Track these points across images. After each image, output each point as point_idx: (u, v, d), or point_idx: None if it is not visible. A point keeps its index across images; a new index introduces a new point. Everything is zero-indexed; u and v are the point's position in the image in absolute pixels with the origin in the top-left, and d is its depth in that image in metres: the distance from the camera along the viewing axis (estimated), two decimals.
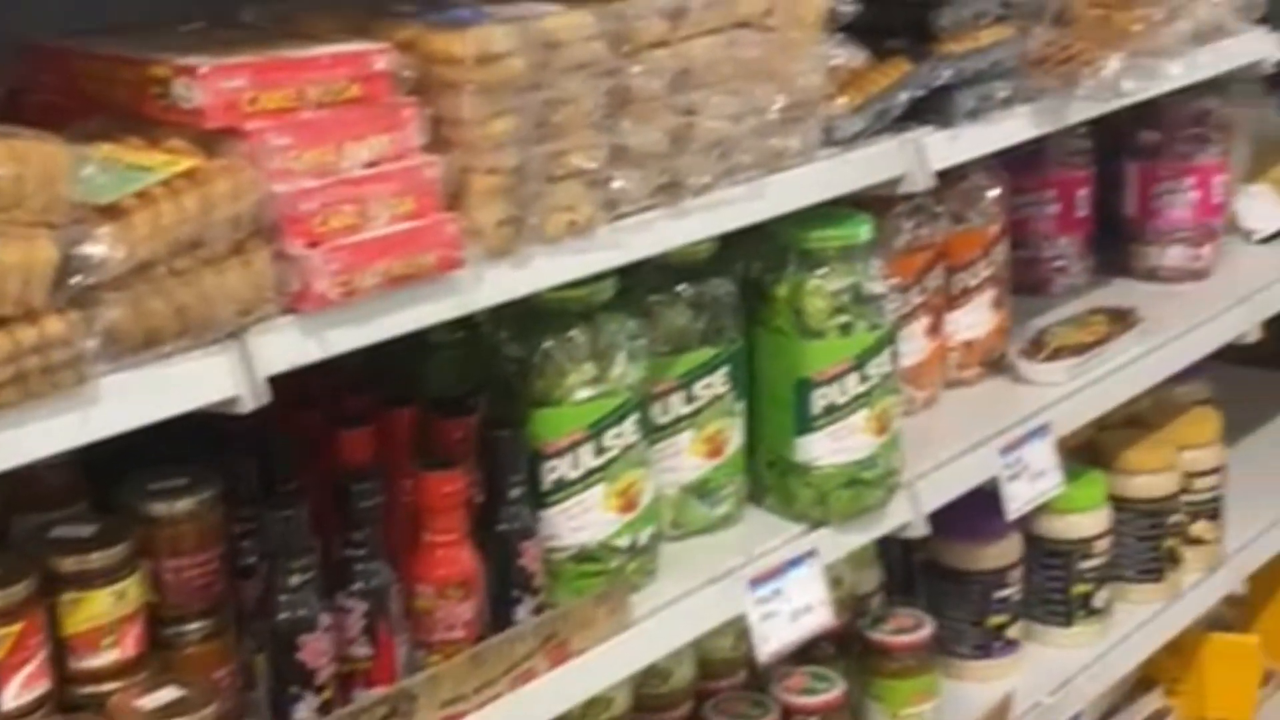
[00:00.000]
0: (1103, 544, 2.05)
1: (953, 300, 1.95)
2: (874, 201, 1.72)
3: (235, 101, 1.19)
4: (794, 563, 1.63)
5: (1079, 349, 1.99)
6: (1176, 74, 1.94)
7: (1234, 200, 2.38)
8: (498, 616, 1.43)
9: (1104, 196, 2.27)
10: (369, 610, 1.35)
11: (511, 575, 1.45)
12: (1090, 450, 2.14)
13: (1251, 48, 2.09)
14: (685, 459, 1.63)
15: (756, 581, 1.59)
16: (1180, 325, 2.12)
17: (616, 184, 1.40)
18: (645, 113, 1.41)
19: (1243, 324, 2.19)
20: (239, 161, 1.18)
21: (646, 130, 1.41)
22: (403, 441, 1.44)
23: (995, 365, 2.01)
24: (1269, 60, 2.12)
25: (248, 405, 1.19)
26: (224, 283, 1.16)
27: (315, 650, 1.31)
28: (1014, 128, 1.80)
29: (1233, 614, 2.41)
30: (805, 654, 1.83)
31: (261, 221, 1.18)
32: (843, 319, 1.63)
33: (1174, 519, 2.14)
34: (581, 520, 1.50)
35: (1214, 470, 2.21)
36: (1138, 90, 1.88)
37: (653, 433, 1.58)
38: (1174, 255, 2.26)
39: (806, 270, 1.63)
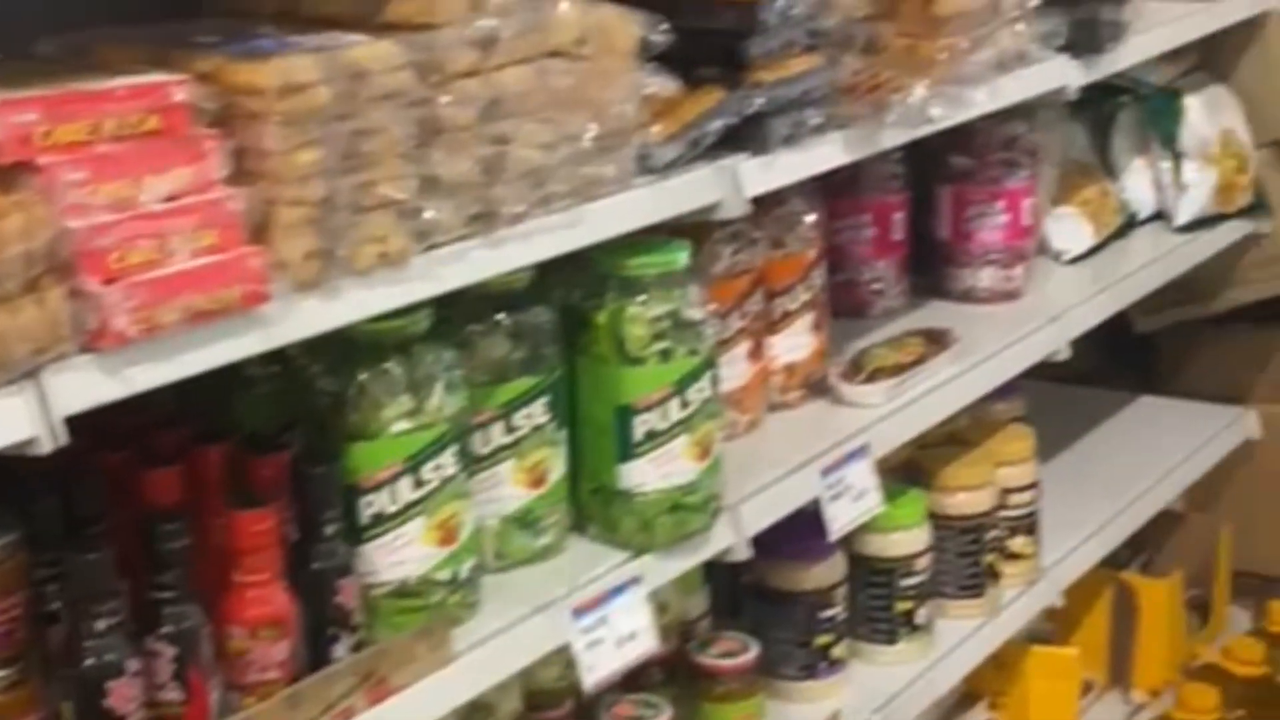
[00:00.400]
0: (924, 561, 2.09)
1: (773, 324, 1.98)
2: (692, 228, 1.74)
3: (27, 135, 1.16)
4: (618, 590, 1.63)
5: (896, 370, 2.02)
6: (981, 101, 1.99)
7: (1044, 222, 2.44)
8: (315, 656, 1.41)
9: (919, 220, 2.32)
10: (179, 654, 1.32)
11: (328, 613, 1.42)
12: (911, 469, 2.18)
13: (1054, 75, 2.15)
14: (507, 489, 1.62)
15: (580, 610, 1.58)
16: (994, 345, 2.16)
17: (428, 214, 1.39)
18: (456, 143, 1.41)
19: (1054, 342, 2.24)
20: (32, 197, 1.15)
21: (458, 160, 1.40)
22: (213, 480, 1.41)
23: (816, 388, 2.03)
24: (1071, 87, 2.18)
25: (45, 446, 1.15)
26: (17, 321, 1.13)
27: (123, 696, 1.28)
28: (827, 154, 1.82)
29: (1052, 627, 2.48)
30: (634, 681, 1.83)
31: (56, 258, 1.15)
32: (662, 345, 1.64)
33: (992, 535, 2.19)
34: (401, 555, 1.48)
35: (1030, 486, 2.27)
36: (945, 117, 1.92)
37: (473, 464, 1.57)
38: (987, 277, 2.31)
39: (626, 297, 1.64)
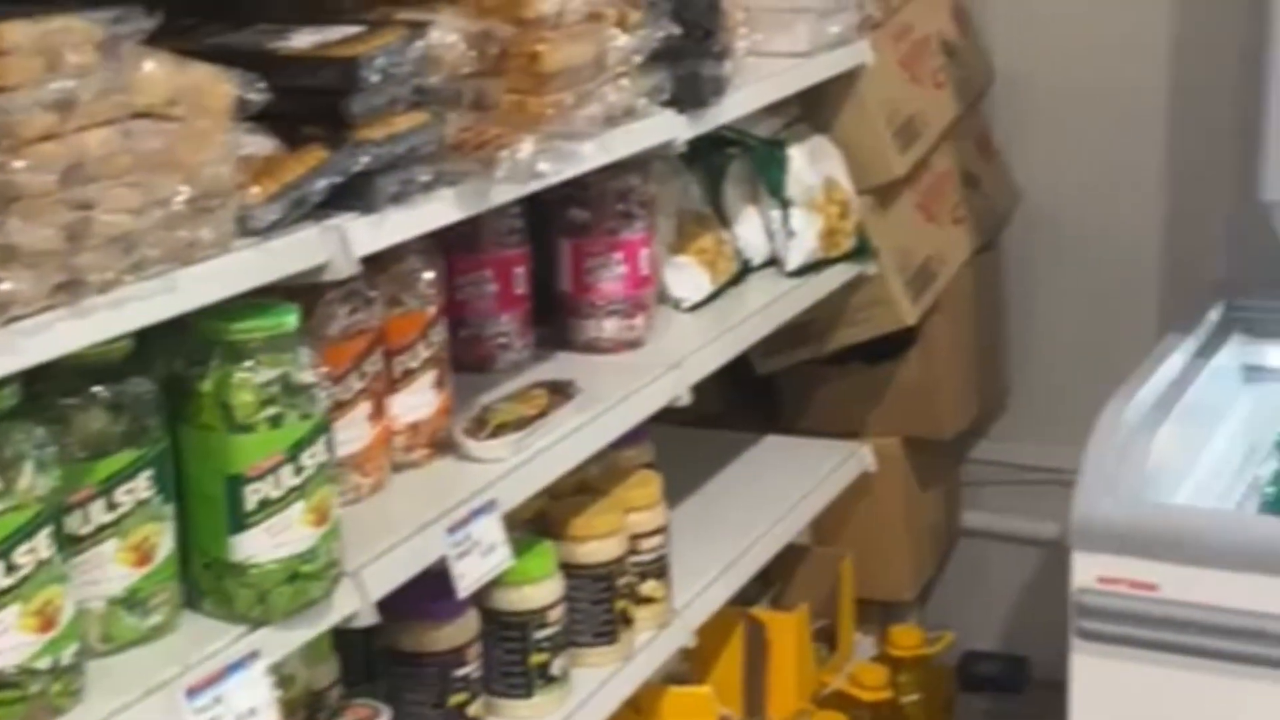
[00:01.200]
0: (556, 612, 2.10)
1: (394, 383, 1.96)
2: (304, 289, 1.70)
3: None
4: (235, 667, 1.58)
5: (521, 424, 2.03)
6: (591, 155, 2.03)
7: (662, 272, 2.50)
8: None
9: (542, 273, 2.34)
10: None
11: None
12: (542, 520, 2.19)
13: (661, 129, 2.20)
14: (111, 569, 1.54)
15: (194, 691, 1.52)
16: (618, 393, 2.20)
17: (6, 286, 1.32)
18: (35, 209, 1.34)
19: (676, 388, 2.30)
20: None
21: (37, 228, 1.34)
22: None
23: (442, 445, 2.02)
24: (679, 140, 2.25)
25: None
26: None
27: None
28: (437, 211, 1.82)
29: (688, 666, 2.53)
30: None
31: None
32: (272, 411, 1.60)
33: (624, 581, 2.22)
34: None
35: (659, 530, 2.31)
36: (554, 172, 1.95)
37: (72, 545, 1.49)
38: (610, 327, 2.35)
39: (232, 363, 1.59)
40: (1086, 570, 2.16)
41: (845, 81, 2.75)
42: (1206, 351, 2.54)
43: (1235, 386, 2.62)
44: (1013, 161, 3.26)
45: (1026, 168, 3.25)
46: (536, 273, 2.31)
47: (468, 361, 2.20)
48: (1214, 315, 2.62)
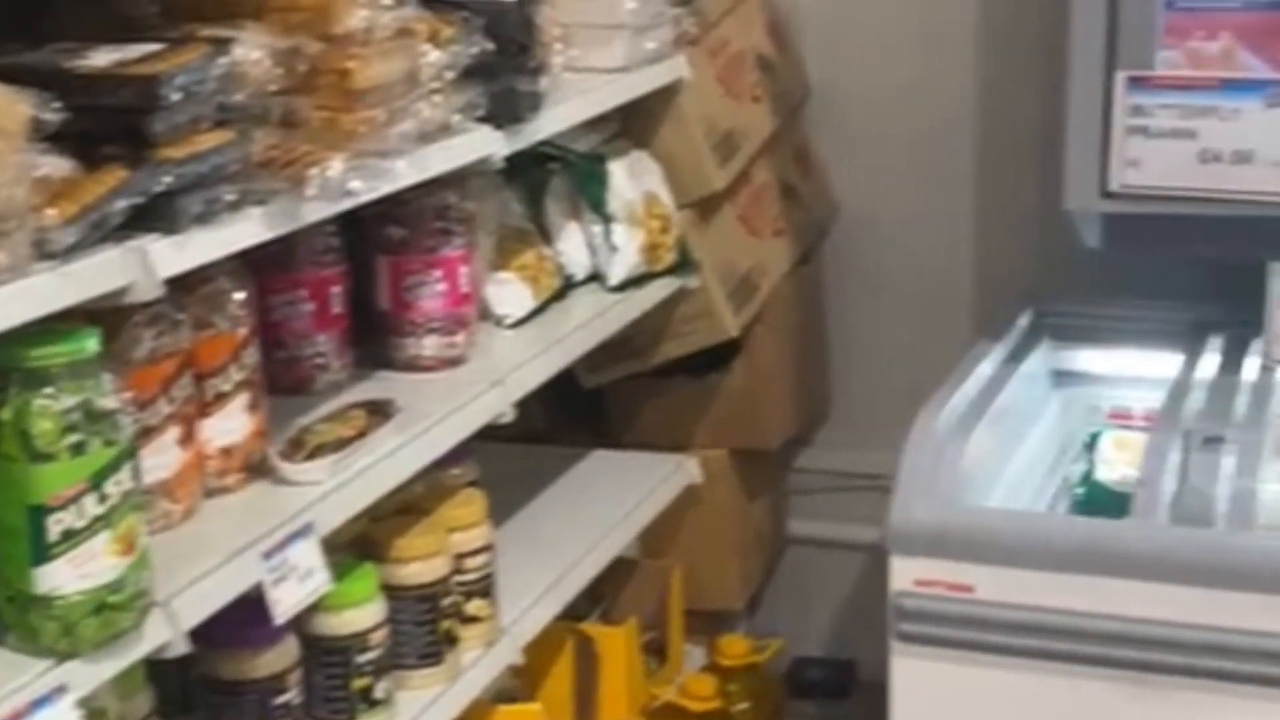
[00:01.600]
0: (379, 635, 2.07)
1: (205, 407, 1.92)
2: (109, 313, 1.66)
3: None
4: (41, 702, 1.53)
5: (338, 445, 2.00)
6: (404, 172, 2.01)
7: (484, 288, 2.49)
8: None
9: (361, 291, 2.31)
10: None
11: None
12: (364, 543, 2.17)
13: (478, 145, 2.20)
14: None
15: None
16: (439, 412, 2.18)
17: None
18: None
19: (499, 405, 2.29)
20: None
21: None
22: None
23: (257, 470, 1.98)
24: (496, 156, 2.24)
25: None
26: None
27: None
28: (245, 230, 1.79)
29: (518, 684, 2.51)
30: None
31: None
32: (74, 438, 1.55)
33: (448, 601, 2.20)
34: None
35: (484, 549, 2.29)
36: (367, 190, 1.92)
37: None
38: (430, 345, 2.33)
39: (31, 390, 1.55)
40: (904, 574, 2.20)
41: (663, 96, 2.77)
42: (1017, 357, 2.61)
43: (1045, 390, 2.70)
44: (831, 173, 3.31)
45: (844, 179, 3.30)
46: (355, 292, 2.29)
47: (285, 383, 2.17)
48: (1024, 321, 2.69)
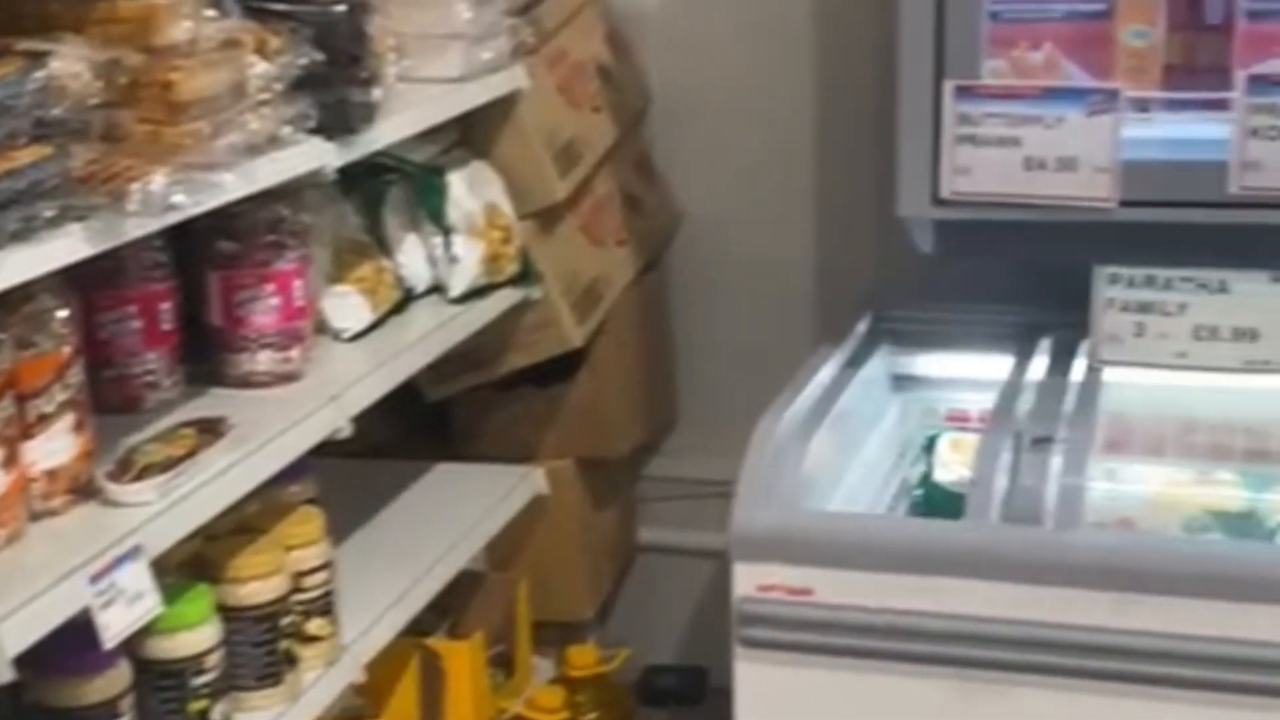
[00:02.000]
0: (215, 657, 2.03)
1: (28, 429, 1.86)
2: None
3: None
4: None
5: (168, 465, 1.96)
6: (232, 185, 1.98)
7: (320, 302, 2.46)
8: None
9: (192, 307, 2.27)
10: None
11: None
12: (200, 563, 2.12)
13: (309, 156, 2.17)
14: None
15: None
16: (274, 428, 2.15)
17: None
18: None
19: (335, 420, 2.26)
20: None
21: None
22: None
23: (84, 491, 1.93)
24: (329, 168, 2.21)
25: None
26: None
27: None
28: (65, 247, 1.75)
29: (363, 702, 2.49)
30: None
31: None
32: None
33: (287, 620, 2.17)
34: None
35: (323, 567, 2.26)
36: (191, 204, 1.89)
37: None
38: (264, 360, 2.29)
39: None
40: (747, 579, 2.21)
41: (502, 107, 2.76)
42: (856, 361, 2.64)
43: (884, 394, 2.73)
44: (673, 182, 3.33)
45: (686, 188, 3.32)
46: (186, 307, 2.24)
47: (114, 402, 2.12)
48: (862, 326, 2.73)
